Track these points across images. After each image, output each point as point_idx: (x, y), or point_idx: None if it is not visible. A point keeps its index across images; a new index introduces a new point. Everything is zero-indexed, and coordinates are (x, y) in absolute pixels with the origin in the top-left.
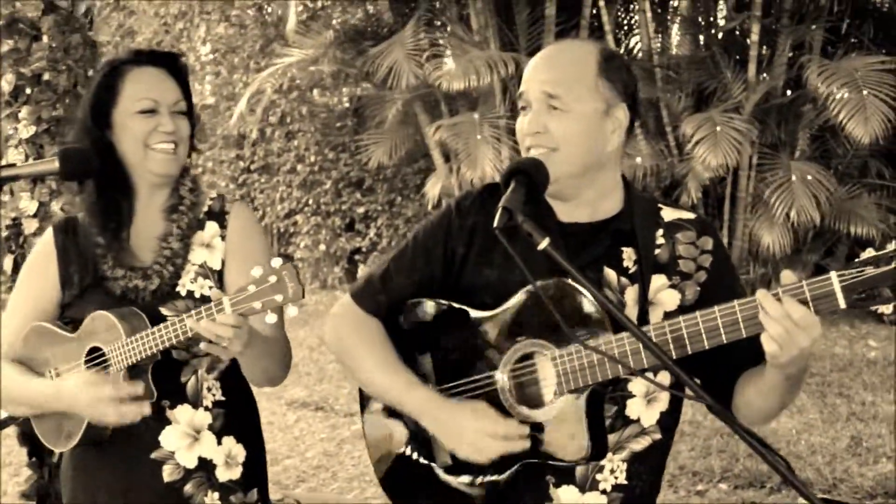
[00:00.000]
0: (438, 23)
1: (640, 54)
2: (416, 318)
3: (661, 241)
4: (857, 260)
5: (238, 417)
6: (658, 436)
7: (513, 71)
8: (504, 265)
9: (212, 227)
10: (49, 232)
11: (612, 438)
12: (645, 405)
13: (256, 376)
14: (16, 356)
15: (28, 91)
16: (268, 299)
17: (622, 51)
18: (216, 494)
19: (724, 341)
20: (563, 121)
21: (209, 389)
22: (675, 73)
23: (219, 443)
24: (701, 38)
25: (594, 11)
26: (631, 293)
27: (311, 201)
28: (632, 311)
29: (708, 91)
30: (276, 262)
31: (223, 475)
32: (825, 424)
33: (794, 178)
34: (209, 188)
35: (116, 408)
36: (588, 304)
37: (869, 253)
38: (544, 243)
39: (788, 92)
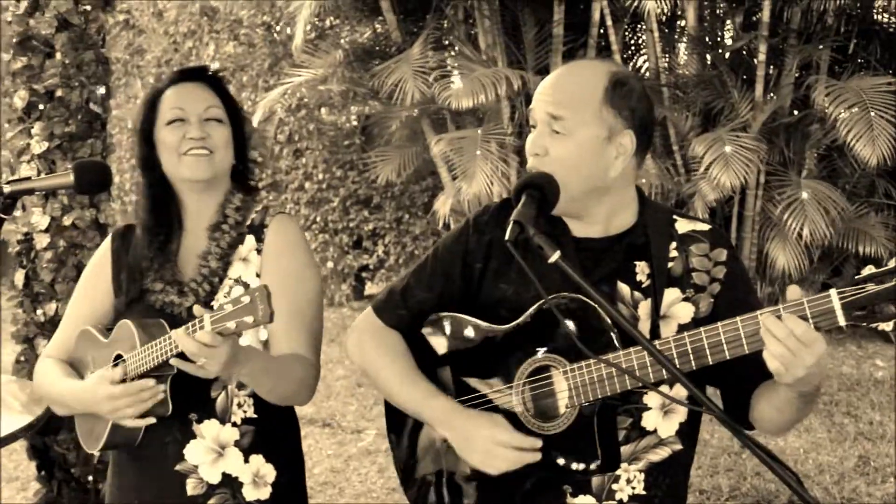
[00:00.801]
0: (446, 42)
1: (647, 73)
2: (437, 333)
3: (674, 253)
4: (857, 277)
5: (270, 436)
6: (678, 446)
7: (519, 87)
8: (520, 280)
9: (250, 240)
10: (108, 239)
11: (627, 449)
12: (662, 417)
13: (265, 396)
14: (67, 357)
15: (41, 107)
16: (240, 320)
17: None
18: None
19: (728, 357)
20: (563, 144)
21: (240, 406)
22: (682, 93)
23: (245, 460)
24: (708, 57)
25: (602, 31)
26: (644, 307)
27: (318, 219)
28: (644, 325)
29: (715, 110)
30: (254, 283)
31: (250, 494)
32: (833, 444)
33: (804, 195)
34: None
35: (130, 407)
36: (600, 318)
37: (869, 270)
38: (555, 256)
39: (795, 112)
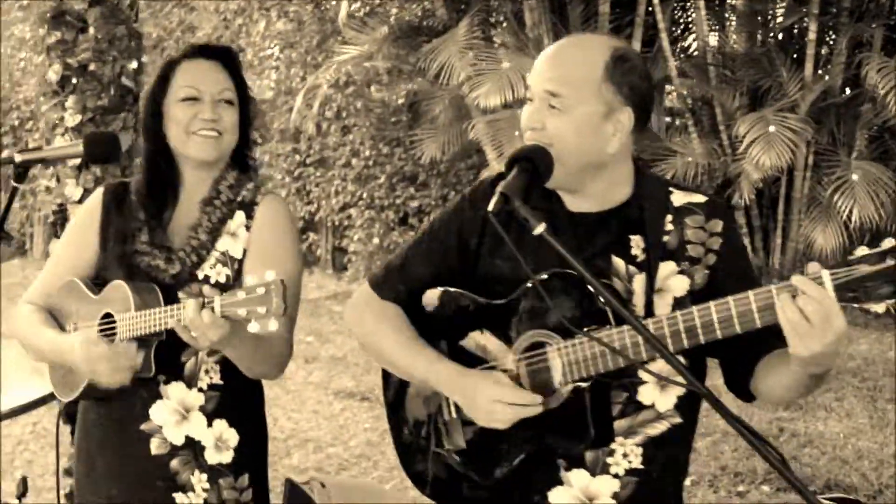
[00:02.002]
0: (492, 20)
1: (696, 52)
2: (434, 306)
3: (669, 227)
4: (849, 258)
5: (234, 403)
6: (677, 420)
7: None
8: (514, 255)
9: (240, 216)
10: (99, 192)
11: (623, 423)
12: (659, 390)
13: (243, 370)
14: (47, 304)
15: (74, 81)
16: (252, 309)
17: (677, 49)
18: (204, 476)
19: (739, 331)
20: (561, 120)
21: (207, 372)
22: (730, 72)
23: (209, 425)
24: (758, 36)
25: (649, 9)
26: (639, 281)
27: (365, 195)
28: (640, 300)
29: (763, 90)
30: (270, 275)
31: (212, 458)
32: (874, 430)
33: (854, 177)
34: (263, 181)
35: (110, 370)
36: (592, 294)
37: (863, 251)
38: (539, 228)
39: (847, 91)
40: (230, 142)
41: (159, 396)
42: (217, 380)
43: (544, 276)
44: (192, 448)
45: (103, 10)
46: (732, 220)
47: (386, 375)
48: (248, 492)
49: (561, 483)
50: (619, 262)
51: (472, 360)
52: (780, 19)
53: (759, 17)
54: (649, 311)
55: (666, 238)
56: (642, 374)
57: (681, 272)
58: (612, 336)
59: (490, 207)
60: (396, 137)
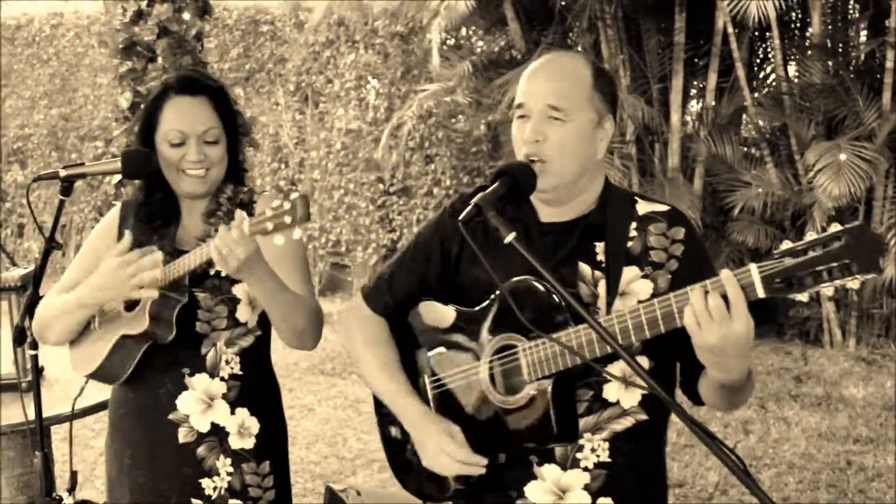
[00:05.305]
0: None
1: (773, 83)
2: (416, 316)
3: (633, 233)
4: (774, 252)
5: (254, 392)
6: (643, 416)
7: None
8: (490, 264)
9: (239, 214)
10: (117, 207)
11: (589, 420)
12: (623, 388)
13: (284, 331)
14: None
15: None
16: (279, 221)
17: (753, 79)
18: (228, 460)
19: (662, 331)
20: (563, 129)
21: (227, 363)
22: (806, 102)
23: (232, 412)
24: (830, 64)
25: (724, 39)
26: (603, 285)
27: None
28: (603, 302)
29: (839, 119)
30: (293, 195)
31: (236, 443)
32: None
33: None
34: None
35: (132, 274)
36: (555, 297)
37: (787, 244)
38: (510, 237)
39: None
40: (219, 173)
41: (185, 388)
42: (237, 370)
43: (512, 283)
44: (218, 434)
45: (171, 42)
46: (693, 227)
47: None
48: (269, 478)
49: (535, 478)
50: (585, 268)
51: (447, 365)
52: (857, 48)
53: (840, 46)
54: (609, 312)
55: (630, 244)
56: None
57: (644, 276)
58: (570, 336)
59: (461, 217)
60: (477, 167)
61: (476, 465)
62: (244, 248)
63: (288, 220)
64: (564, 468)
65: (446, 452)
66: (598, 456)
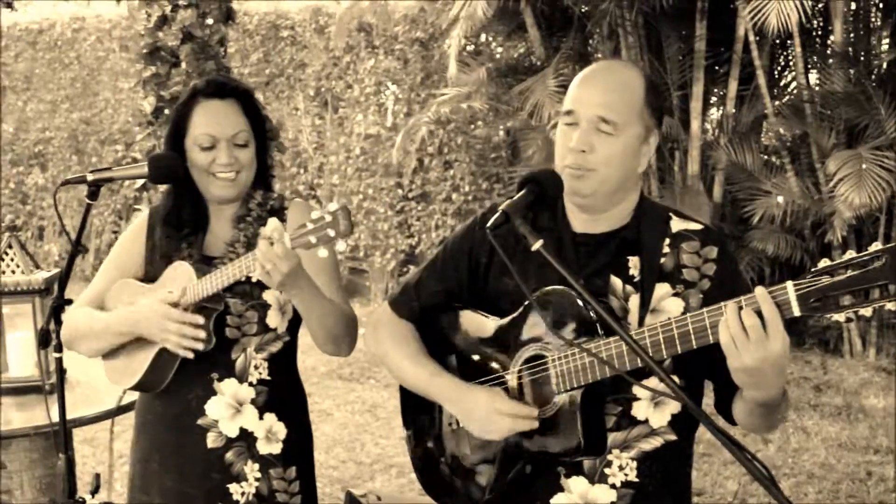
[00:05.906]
0: (591, 59)
1: (794, 90)
2: (445, 323)
3: (666, 250)
4: (812, 269)
5: (281, 397)
6: (672, 437)
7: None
8: (520, 273)
9: (272, 222)
10: (145, 214)
11: (618, 436)
12: (652, 407)
13: (320, 336)
14: (99, 308)
15: (167, 112)
16: (322, 234)
17: (774, 87)
18: (256, 465)
19: (694, 346)
20: (612, 143)
21: (256, 368)
22: (827, 110)
23: (260, 417)
24: (852, 72)
25: (745, 46)
26: (635, 300)
27: None
28: (634, 317)
29: (860, 128)
30: (333, 206)
31: (263, 448)
32: None
33: None
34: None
35: (177, 330)
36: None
37: (825, 262)
38: (537, 244)
39: None
40: (248, 176)
41: (214, 393)
42: (265, 375)
43: (541, 293)
44: (246, 439)
45: (194, 47)
46: (727, 247)
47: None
48: (295, 483)
49: (562, 490)
50: (616, 282)
51: (479, 374)
52: (879, 56)
53: (862, 54)
54: (642, 327)
55: (663, 260)
56: (636, 391)
57: (675, 294)
58: (600, 348)
59: (489, 224)
60: (496, 173)
61: (529, 416)
62: (288, 263)
63: (332, 233)
64: (592, 482)
65: (498, 410)
66: (625, 475)
